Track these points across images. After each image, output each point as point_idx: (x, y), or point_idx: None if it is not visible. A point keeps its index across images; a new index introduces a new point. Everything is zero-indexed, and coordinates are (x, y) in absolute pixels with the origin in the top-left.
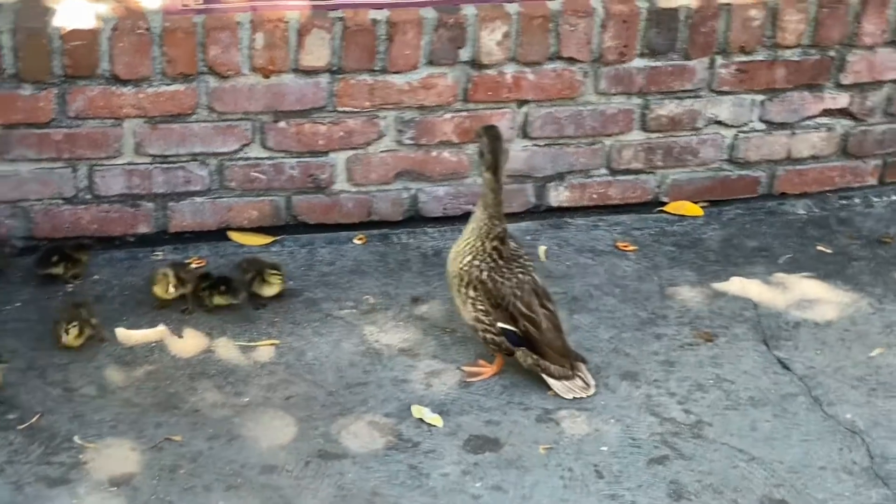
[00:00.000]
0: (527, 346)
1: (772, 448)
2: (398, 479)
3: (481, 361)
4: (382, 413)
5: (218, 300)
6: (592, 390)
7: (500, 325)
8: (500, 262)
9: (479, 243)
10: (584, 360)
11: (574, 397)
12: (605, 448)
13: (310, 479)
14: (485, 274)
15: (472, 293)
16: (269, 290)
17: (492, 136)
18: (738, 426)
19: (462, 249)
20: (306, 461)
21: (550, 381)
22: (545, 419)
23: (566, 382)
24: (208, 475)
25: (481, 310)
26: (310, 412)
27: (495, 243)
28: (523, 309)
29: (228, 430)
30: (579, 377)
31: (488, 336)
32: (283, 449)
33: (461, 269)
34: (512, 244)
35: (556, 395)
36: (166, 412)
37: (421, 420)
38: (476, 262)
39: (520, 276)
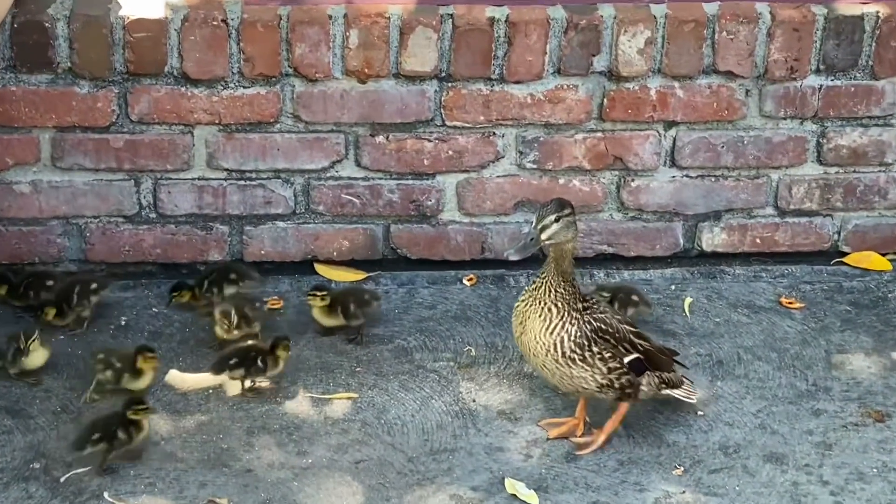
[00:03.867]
0: (648, 365)
1: None
2: None
3: (595, 430)
4: (469, 486)
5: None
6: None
7: (626, 359)
8: (593, 308)
9: (573, 313)
10: (676, 353)
11: (695, 399)
12: None
13: None
14: (595, 323)
15: (596, 348)
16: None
17: (572, 206)
18: None
19: (556, 331)
20: None
21: (674, 392)
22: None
23: (684, 388)
24: None
25: (609, 356)
26: (382, 480)
27: (581, 303)
28: (631, 329)
29: (283, 496)
30: (684, 378)
31: (623, 379)
32: None
33: (575, 342)
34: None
35: (683, 400)
36: (214, 470)
37: (514, 496)
38: (582, 325)
39: (606, 310)
